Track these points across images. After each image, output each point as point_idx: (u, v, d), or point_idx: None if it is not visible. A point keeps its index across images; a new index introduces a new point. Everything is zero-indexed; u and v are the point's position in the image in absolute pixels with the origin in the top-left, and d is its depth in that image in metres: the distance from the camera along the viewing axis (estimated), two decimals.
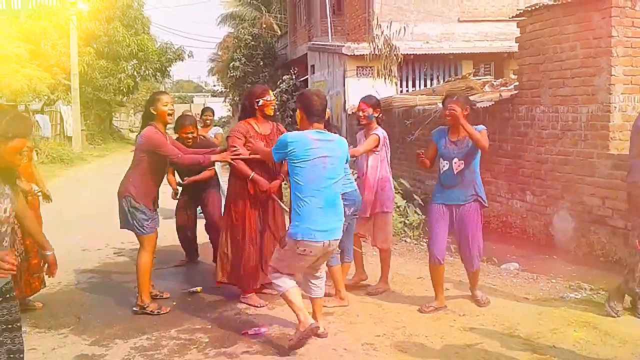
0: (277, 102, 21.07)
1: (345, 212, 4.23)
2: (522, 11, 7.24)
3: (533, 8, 6.93)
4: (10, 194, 2.60)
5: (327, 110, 4.20)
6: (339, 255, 4.74)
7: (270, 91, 4.86)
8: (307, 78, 18.54)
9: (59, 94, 20.00)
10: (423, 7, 14.41)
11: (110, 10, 24.17)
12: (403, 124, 9.97)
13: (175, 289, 5.31)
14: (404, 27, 11.40)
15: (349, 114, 13.69)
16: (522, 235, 7.09)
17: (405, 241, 7.06)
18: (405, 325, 4.27)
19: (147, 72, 28.13)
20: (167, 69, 29.85)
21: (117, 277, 5.79)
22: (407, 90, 13.98)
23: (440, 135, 4.56)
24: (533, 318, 4.38)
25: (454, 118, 4.30)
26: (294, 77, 20.36)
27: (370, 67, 12.83)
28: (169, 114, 4.61)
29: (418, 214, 7.74)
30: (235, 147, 4.61)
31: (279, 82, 20.52)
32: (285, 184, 5.02)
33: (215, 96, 44.85)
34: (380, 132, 5.01)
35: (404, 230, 7.32)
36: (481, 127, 4.41)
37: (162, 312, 4.59)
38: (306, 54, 18.38)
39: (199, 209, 6.23)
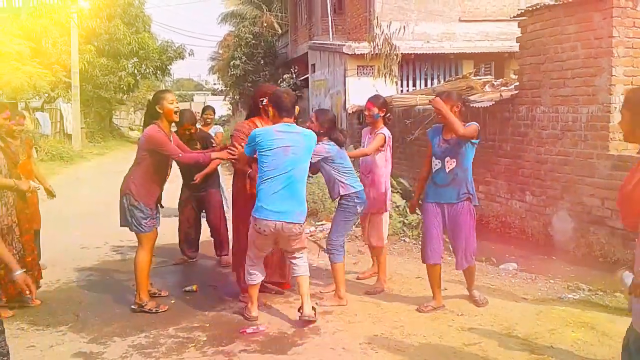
0: None
1: (357, 210, 4.79)
2: (523, 11, 7.23)
3: (534, 8, 6.92)
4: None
5: (297, 107, 4.46)
6: (341, 254, 4.77)
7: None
8: (307, 77, 18.54)
9: (59, 91, 19.98)
10: (424, 6, 14.40)
11: (111, 8, 24.13)
12: (403, 124, 9.97)
13: (174, 287, 5.31)
14: (404, 26, 11.39)
15: (349, 113, 13.69)
16: (521, 235, 7.09)
17: (404, 241, 7.06)
18: (403, 324, 4.27)
19: (147, 70, 28.11)
20: (168, 67, 29.81)
21: (115, 275, 5.79)
22: (408, 90, 13.98)
23: (435, 134, 4.56)
24: (531, 318, 4.37)
25: (438, 110, 4.30)
26: (294, 76, 20.37)
27: (371, 67, 12.82)
28: (175, 112, 4.59)
29: (417, 214, 7.72)
30: (235, 146, 4.61)
31: (279, 81, 20.53)
32: None
33: (216, 95, 44.86)
34: (386, 131, 5.07)
35: (403, 230, 7.31)
36: (472, 123, 4.40)
37: (160, 311, 4.59)
38: (307, 52, 18.38)
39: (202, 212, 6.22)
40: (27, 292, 2.77)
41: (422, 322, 4.33)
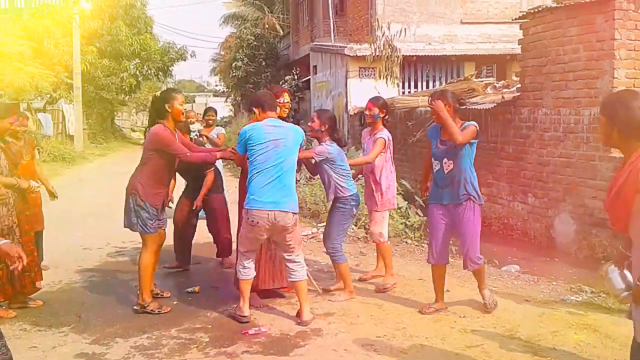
0: None
1: (353, 212, 4.92)
2: (525, 13, 7.24)
3: (536, 10, 6.93)
4: None
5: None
6: (343, 255, 4.92)
7: (286, 93, 4.91)
8: (309, 78, 18.56)
9: (61, 92, 19.99)
10: (426, 8, 14.41)
11: (113, 9, 24.18)
12: (405, 125, 9.98)
13: (176, 288, 5.31)
14: (405, 28, 11.39)
15: (351, 115, 13.70)
16: (523, 237, 7.08)
17: (406, 242, 7.05)
18: (405, 326, 4.27)
19: (149, 72, 28.13)
20: (170, 68, 29.85)
21: (117, 276, 5.79)
22: (409, 92, 13.99)
23: (433, 134, 4.53)
24: (534, 320, 4.37)
25: (435, 112, 4.29)
26: (296, 77, 20.38)
27: (373, 68, 12.82)
28: (183, 114, 4.67)
29: (419, 215, 7.73)
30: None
31: (281, 83, 20.53)
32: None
33: (217, 96, 44.87)
34: (386, 134, 5.16)
35: (405, 232, 7.31)
36: (470, 123, 4.35)
37: (162, 312, 4.59)
38: (308, 54, 18.39)
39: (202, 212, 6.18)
40: (18, 264, 2.60)
41: (424, 324, 4.33)
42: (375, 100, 5.27)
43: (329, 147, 4.74)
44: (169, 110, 4.55)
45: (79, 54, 20.35)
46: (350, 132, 13.91)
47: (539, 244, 6.80)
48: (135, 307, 4.65)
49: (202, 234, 6.27)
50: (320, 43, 17.21)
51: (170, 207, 4.93)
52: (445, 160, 4.39)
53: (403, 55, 11.36)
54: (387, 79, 11.24)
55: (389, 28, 11.12)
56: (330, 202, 5.00)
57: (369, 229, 5.67)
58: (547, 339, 4.01)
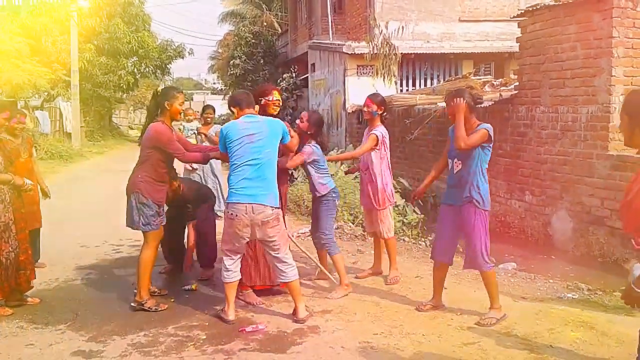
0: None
1: (336, 203, 5.12)
2: (523, 11, 7.24)
3: (534, 8, 6.93)
4: None
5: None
6: (337, 246, 5.05)
7: (276, 91, 4.91)
8: (307, 76, 18.54)
9: (58, 90, 19.96)
10: (424, 6, 14.40)
11: (111, 7, 24.12)
12: (403, 123, 9.98)
13: (173, 286, 5.31)
14: (403, 26, 11.39)
15: (349, 113, 13.69)
16: (521, 235, 7.09)
17: (403, 240, 7.06)
18: (402, 324, 4.27)
19: (147, 69, 28.13)
20: (167, 66, 29.83)
21: (115, 274, 5.79)
22: (407, 90, 13.98)
23: (451, 133, 4.47)
24: (530, 318, 4.37)
25: (452, 112, 4.25)
26: (294, 75, 20.35)
27: (371, 66, 12.81)
28: (180, 113, 4.75)
29: (417, 213, 7.75)
30: None
31: (279, 81, 20.52)
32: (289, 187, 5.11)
33: (215, 94, 44.77)
34: (379, 131, 5.19)
35: (402, 230, 7.31)
36: (483, 126, 4.29)
37: (160, 309, 4.59)
38: (307, 52, 18.38)
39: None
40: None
41: (421, 321, 4.33)
42: (373, 97, 5.30)
43: (315, 149, 4.94)
44: (168, 108, 4.59)
45: (76, 52, 20.31)
46: (348, 130, 13.91)
47: (536, 241, 6.81)
48: (132, 304, 4.65)
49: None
50: (319, 41, 17.19)
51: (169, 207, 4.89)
52: (455, 160, 4.36)
53: (401, 53, 11.36)
54: (385, 77, 11.24)
55: (387, 26, 11.12)
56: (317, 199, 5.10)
57: (367, 227, 5.66)
58: (544, 336, 4.02)
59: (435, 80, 14.31)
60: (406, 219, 7.51)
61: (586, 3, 6.15)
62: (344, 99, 14.01)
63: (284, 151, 4.68)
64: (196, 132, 8.28)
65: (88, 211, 8.97)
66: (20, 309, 4.63)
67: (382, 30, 10.95)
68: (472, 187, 4.28)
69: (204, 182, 8.15)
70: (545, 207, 6.78)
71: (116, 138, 29.86)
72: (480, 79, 10.29)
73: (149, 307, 4.57)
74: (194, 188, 5.59)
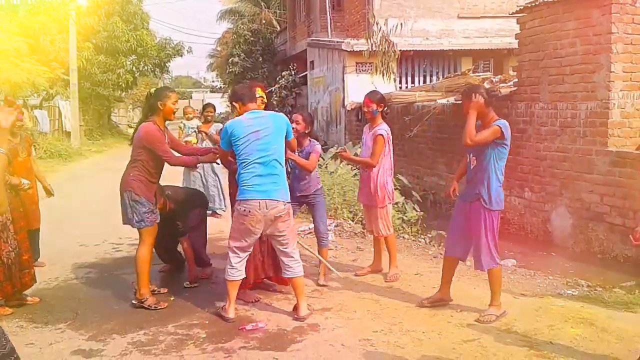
0: (275, 98, 21.04)
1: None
2: (522, 7, 7.23)
3: (533, 4, 6.92)
4: None
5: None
6: (327, 239, 5.21)
7: (259, 88, 4.78)
8: (306, 74, 18.52)
9: (57, 89, 19.94)
10: (423, 3, 14.39)
11: (110, 5, 24.07)
12: (402, 121, 9.97)
13: (173, 284, 5.30)
14: (402, 23, 11.37)
15: (348, 110, 13.68)
16: (520, 231, 7.09)
17: (403, 237, 7.05)
18: (402, 321, 4.27)
19: (146, 68, 28.05)
20: (166, 64, 29.76)
21: (114, 272, 5.78)
22: (407, 87, 13.97)
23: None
24: (530, 314, 4.38)
25: (468, 108, 4.18)
26: (293, 73, 20.35)
27: (370, 63, 12.79)
28: (174, 113, 4.71)
29: (416, 210, 7.74)
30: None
31: (278, 78, 20.52)
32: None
33: (214, 92, 44.74)
34: (384, 130, 5.13)
35: (402, 227, 7.31)
36: (497, 122, 4.18)
37: (159, 307, 4.59)
38: (305, 49, 18.36)
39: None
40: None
41: (421, 318, 4.33)
42: (372, 96, 5.22)
43: (319, 147, 5.09)
44: (161, 108, 4.59)
45: (75, 51, 20.27)
46: (347, 127, 13.90)
47: (535, 238, 6.81)
48: (133, 302, 4.66)
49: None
50: (317, 38, 17.18)
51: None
52: (471, 155, 4.34)
53: (400, 50, 11.34)
54: (384, 74, 11.22)
55: (385, 23, 11.09)
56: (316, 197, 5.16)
57: (366, 224, 5.67)
58: (544, 332, 4.02)
59: (434, 77, 14.31)
60: (406, 217, 7.51)
61: None
62: (343, 96, 14.00)
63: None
64: (197, 130, 8.26)
65: (87, 210, 8.97)
66: (20, 308, 4.63)
67: (380, 28, 10.93)
68: (482, 186, 4.23)
69: (204, 180, 8.17)
70: (545, 204, 6.78)
71: (115, 137, 29.81)
72: (479, 75, 10.26)
73: (148, 305, 4.58)
74: (181, 199, 5.34)
